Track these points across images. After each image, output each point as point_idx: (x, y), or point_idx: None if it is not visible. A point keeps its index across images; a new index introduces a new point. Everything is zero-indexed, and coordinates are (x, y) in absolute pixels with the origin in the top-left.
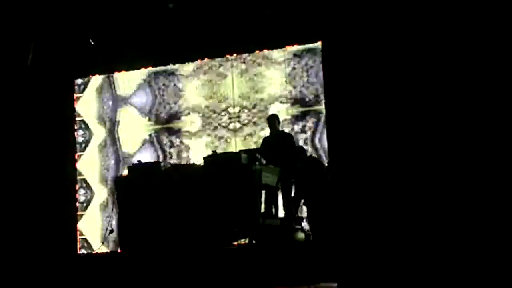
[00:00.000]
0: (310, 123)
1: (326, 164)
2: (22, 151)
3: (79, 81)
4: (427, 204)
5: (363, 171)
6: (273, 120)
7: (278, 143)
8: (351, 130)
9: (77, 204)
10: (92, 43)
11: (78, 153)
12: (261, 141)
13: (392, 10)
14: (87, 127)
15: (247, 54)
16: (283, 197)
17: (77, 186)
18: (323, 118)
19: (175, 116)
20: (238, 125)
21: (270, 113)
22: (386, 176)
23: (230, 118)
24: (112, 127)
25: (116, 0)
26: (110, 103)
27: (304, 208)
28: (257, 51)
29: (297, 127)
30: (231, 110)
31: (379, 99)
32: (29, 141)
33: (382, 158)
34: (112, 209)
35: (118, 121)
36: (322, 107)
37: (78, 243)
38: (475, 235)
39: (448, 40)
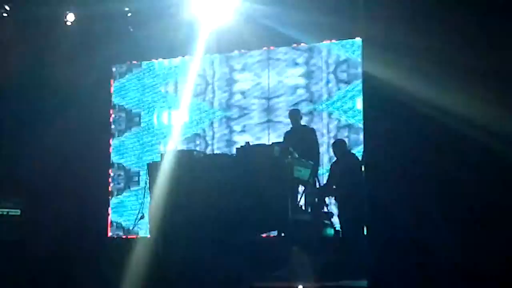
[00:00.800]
0: None
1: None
2: (60, 134)
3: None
4: (462, 203)
5: (399, 169)
6: (295, 115)
7: (301, 138)
8: (389, 128)
9: (110, 188)
10: (131, 30)
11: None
12: None
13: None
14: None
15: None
16: (313, 192)
17: (111, 171)
18: None
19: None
20: None
21: None
22: (422, 175)
23: None
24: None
25: None
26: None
27: (332, 201)
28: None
29: None
30: None
31: (420, 97)
32: (68, 125)
33: (418, 158)
34: (144, 195)
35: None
36: None
37: (109, 226)
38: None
39: (497, 43)
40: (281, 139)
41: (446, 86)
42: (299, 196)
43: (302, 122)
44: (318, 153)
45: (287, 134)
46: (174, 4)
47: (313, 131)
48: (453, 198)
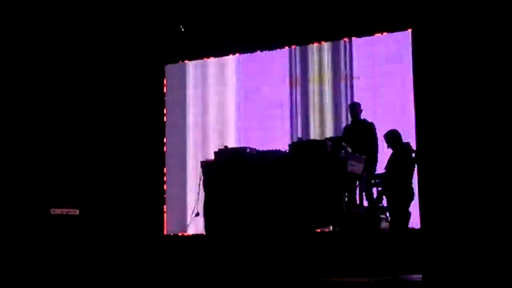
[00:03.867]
0: None
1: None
2: (115, 134)
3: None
4: None
5: (452, 164)
6: (354, 108)
7: (359, 132)
8: (441, 122)
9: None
10: (183, 29)
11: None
12: None
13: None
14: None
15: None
16: (368, 186)
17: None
18: None
19: None
20: None
21: None
22: (474, 170)
23: None
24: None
25: None
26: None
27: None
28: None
29: None
30: None
31: (472, 92)
32: (122, 124)
33: (470, 153)
34: (199, 193)
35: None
36: None
37: (165, 224)
38: None
39: None
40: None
41: (506, 78)
42: (354, 191)
43: (362, 116)
44: (376, 147)
45: (346, 128)
46: None
47: (371, 125)
48: (508, 195)
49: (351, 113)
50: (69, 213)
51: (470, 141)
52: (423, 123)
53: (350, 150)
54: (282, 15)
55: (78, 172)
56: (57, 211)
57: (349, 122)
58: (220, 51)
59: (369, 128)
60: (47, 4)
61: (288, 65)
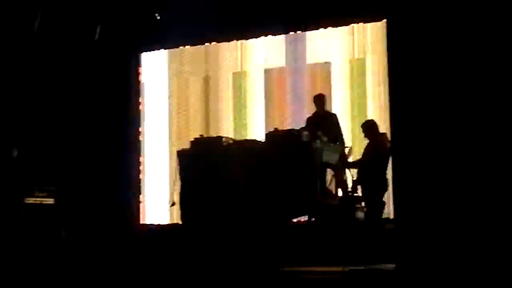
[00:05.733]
0: None
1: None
2: (90, 123)
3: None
4: (490, 192)
5: (426, 156)
6: (322, 99)
7: (326, 122)
8: (416, 114)
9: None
10: (158, 17)
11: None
12: None
13: None
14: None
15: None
16: (342, 176)
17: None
18: None
19: None
20: None
21: None
22: (448, 161)
23: None
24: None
25: None
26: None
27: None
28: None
29: None
30: None
31: (447, 83)
32: (97, 113)
33: (444, 145)
34: (175, 182)
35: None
36: None
37: (140, 214)
38: None
39: None
40: None
41: (480, 70)
42: (328, 180)
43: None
44: (342, 138)
45: (309, 119)
46: None
47: (335, 116)
48: (480, 186)
49: (316, 104)
50: (43, 202)
51: (444, 133)
52: (397, 114)
53: (326, 139)
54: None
55: (52, 162)
56: (32, 200)
57: (312, 114)
58: (197, 40)
59: (334, 117)
60: None
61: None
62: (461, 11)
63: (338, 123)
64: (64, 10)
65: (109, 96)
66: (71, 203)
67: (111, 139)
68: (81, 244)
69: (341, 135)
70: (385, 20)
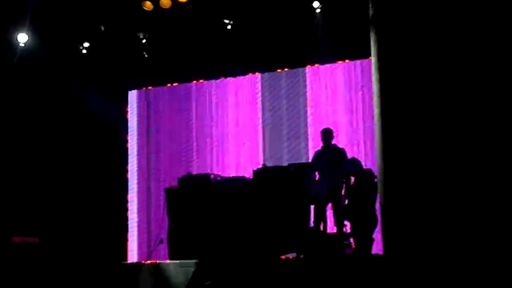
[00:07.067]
0: None
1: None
2: (77, 161)
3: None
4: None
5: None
6: (327, 134)
7: (331, 158)
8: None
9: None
10: (146, 55)
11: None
12: None
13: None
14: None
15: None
16: (334, 212)
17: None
18: None
19: None
20: None
21: None
22: (438, 195)
23: None
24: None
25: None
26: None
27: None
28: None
29: None
30: None
31: (435, 119)
32: (84, 150)
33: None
34: (162, 220)
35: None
36: None
37: (128, 251)
38: None
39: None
40: None
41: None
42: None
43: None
44: (347, 172)
45: (316, 154)
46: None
47: (343, 151)
48: (470, 222)
49: (323, 138)
50: (29, 241)
51: (434, 168)
52: (386, 150)
53: (315, 175)
54: (247, 43)
55: (39, 200)
56: (18, 239)
57: (320, 148)
58: (184, 78)
59: (342, 153)
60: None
61: (258, 91)
62: (444, 43)
63: (343, 159)
64: (50, 44)
65: (97, 133)
66: (58, 243)
67: (99, 177)
68: (68, 283)
69: (343, 170)
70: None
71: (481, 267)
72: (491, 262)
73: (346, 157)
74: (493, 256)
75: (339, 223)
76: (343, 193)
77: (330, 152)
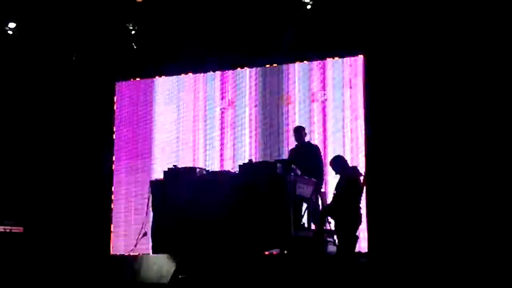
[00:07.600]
0: None
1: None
2: (63, 151)
3: None
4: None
5: (401, 189)
6: (300, 131)
7: (305, 155)
8: (391, 146)
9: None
10: (135, 47)
11: None
12: None
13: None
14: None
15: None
16: (316, 209)
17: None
18: None
19: None
20: None
21: None
22: (424, 196)
23: None
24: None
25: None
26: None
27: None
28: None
29: None
30: None
31: (422, 117)
32: (71, 141)
33: (420, 178)
34: (147, 212)
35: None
36: None
37: (111, 243)
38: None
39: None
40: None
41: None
42: (301, 213)
43: (306, 139)
44: (322, 170)
45: (291, 151)
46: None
47: (316, 148)
48: (456, 221)
49: (295, 135)
50: (12, 231)
51: (421, 167)
52: (373, 148)
53: (299, 172)
54: (236, 36)
55: (24, 189)
56: (0, 228)
57: (294, 145)
58: (172, 70)
59: (315, 150)
60: None
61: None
62: (436, 46)
63: (318, 155)
64: (40, 36)
65: (84, 125)
66: (42, 233)
67: (85, 168)
68: (50, 274)
69: (320, 167)
70: (361, 56)
71: (466, 262)
72: (475, 257)
73: (320, 153)
74: (477, 251)
75: (322, 220)
76: (324, 190)
77: (304, 148)
